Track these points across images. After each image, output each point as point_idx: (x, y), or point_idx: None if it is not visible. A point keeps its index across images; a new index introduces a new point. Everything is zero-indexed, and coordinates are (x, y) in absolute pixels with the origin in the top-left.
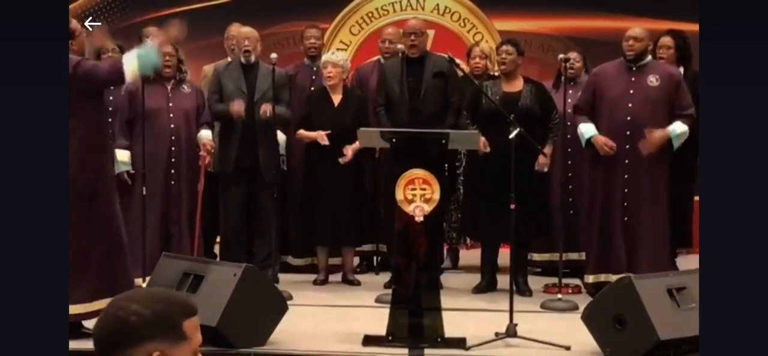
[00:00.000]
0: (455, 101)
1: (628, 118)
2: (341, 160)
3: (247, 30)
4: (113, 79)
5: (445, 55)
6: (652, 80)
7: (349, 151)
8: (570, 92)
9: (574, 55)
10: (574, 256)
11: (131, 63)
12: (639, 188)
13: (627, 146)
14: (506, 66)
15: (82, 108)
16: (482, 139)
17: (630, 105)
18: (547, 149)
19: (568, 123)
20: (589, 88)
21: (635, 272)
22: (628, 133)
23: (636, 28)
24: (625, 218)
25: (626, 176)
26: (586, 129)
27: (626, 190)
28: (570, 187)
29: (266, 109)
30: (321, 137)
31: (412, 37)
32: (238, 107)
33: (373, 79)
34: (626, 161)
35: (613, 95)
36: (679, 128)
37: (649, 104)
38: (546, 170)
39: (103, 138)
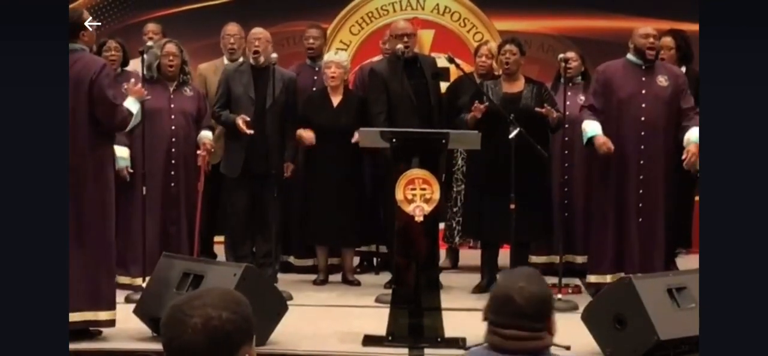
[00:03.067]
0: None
1: (642, 118)
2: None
3: (255, 31)
4: (118, 125)
5: (442, 58)
6: (662, 81)
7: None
8: (569, 93)
9: (571, 55)
10: (569, 258)
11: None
12: (654, 189)
13: (641, 147)
14: (509, 66)
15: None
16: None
17: (643, 105)
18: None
19: (566, 126)
20: (600, 86)
21: (650, 272)
22: (641, 133)
23: (648, 26)
24: (640, 219)
25: (641, 177)
26: (591, 127)
27: (641, 191)
28: (566, 189)
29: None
30: (309, 139)
31: (406, 38)
32: (244, 123)
33: None
34: (641, 162)
35: (625, 95)
36: (695, 133)
37: (661, 104)
38: (546, 112)
39: (102, 141)
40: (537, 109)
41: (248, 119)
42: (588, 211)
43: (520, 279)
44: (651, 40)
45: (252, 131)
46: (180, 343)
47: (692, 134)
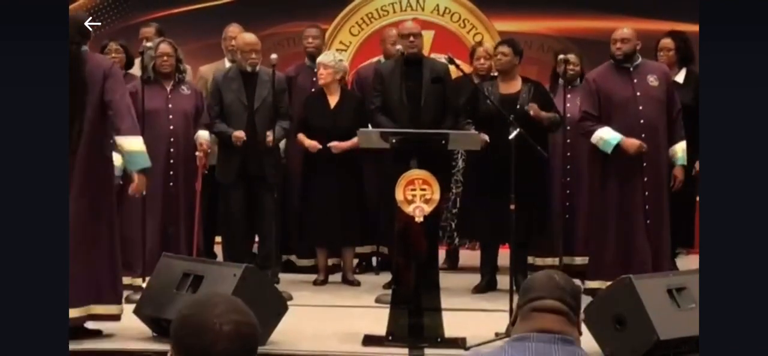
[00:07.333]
0: (453, 105)
1: (641, 120)
2: (333, 149)
3: (251, 38)
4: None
5: (442, 59)
6: (652, 80)
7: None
8: (569, 95)
9: (571, 57)
10: (567, 260)
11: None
12: (659, 190)
13: (643, 149)
14: (502, 66)
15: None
16: (484, 136)
17: (640, 107)
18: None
19: (568, 127)
20: (594, 94)
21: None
22: (642, 135)
23: (624, 28)
24: (648, 222)
25: (646, 179)
26: (610, 134)
27: (647, 192)
28: (568, 191)
29: (269, 139)
30: (313, 146)
31: (411, 38)
32: (240, 135)
33: None
34: (645, 164)
35: (621, 98)
36: (680, 150)
37: (656, 104)
38: (532, 113)
39: (102, 140)
40: (526, 107)
41: (243, 134)
42: (590, 213)
43: (551, 272)
44: (618, 44)
45: (244, 138)
46: (215, 353)
47: (677, 155)
